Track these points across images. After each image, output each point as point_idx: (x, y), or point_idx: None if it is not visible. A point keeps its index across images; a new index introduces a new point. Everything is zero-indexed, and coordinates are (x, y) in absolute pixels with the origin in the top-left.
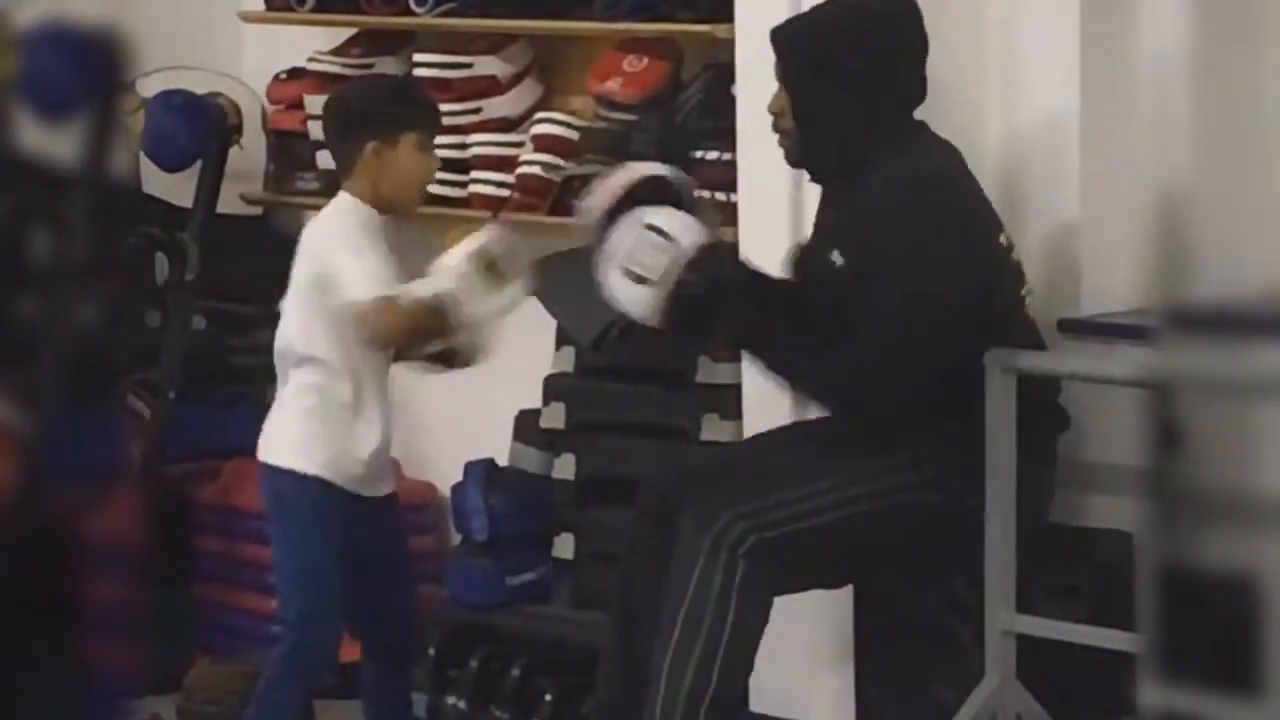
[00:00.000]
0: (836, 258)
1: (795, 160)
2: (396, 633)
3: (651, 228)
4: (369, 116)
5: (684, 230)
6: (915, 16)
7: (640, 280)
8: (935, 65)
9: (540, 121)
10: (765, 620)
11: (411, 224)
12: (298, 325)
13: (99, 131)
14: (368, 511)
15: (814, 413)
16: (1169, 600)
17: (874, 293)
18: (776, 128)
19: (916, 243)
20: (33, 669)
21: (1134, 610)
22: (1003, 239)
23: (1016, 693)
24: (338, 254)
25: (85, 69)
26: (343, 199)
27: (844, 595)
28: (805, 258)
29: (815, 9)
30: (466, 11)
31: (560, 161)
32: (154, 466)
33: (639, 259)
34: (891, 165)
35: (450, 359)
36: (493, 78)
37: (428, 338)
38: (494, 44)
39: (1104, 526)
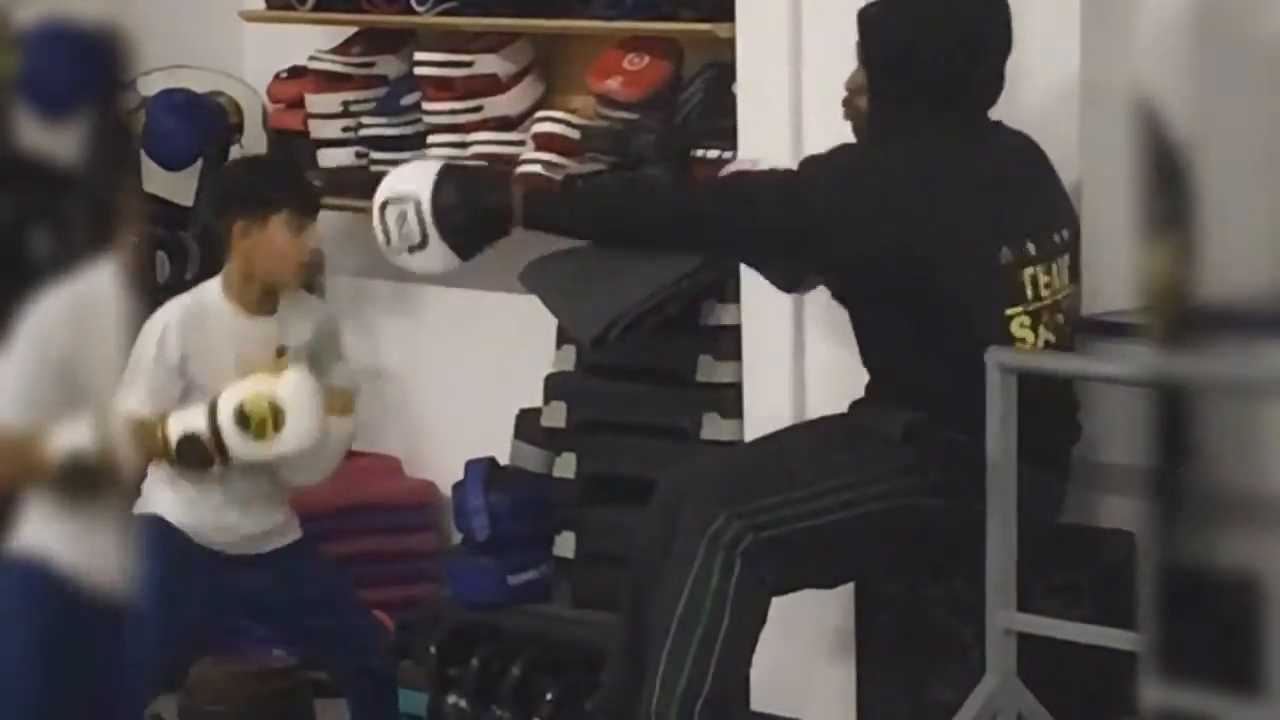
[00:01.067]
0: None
1: (861, 136)
2: (358, 661)
3: (382, 206)
4: (236, 195)
5: (408, 181)
6: (1002, 14)
7: (419, 247)
8: None
9: (541, 120)
10: (762, 620)
11: None
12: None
13: (99, 130)
14: (261, 565)
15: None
16: (1170, 599)
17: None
18: (848, 104)
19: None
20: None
21: (1136, 609)
22: (1005, 255)
23: (1017, 692)
24: (132, 372)
25: (86, 68)
26: (202, 291)
27: (845, 594)
28: None
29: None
30: (467, 10)
31: (561, 160)
32: None
33: (398, 235)
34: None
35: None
36: (493, 76)
37: (174, 465)
38: (495, 42)
39: (1106, 525)
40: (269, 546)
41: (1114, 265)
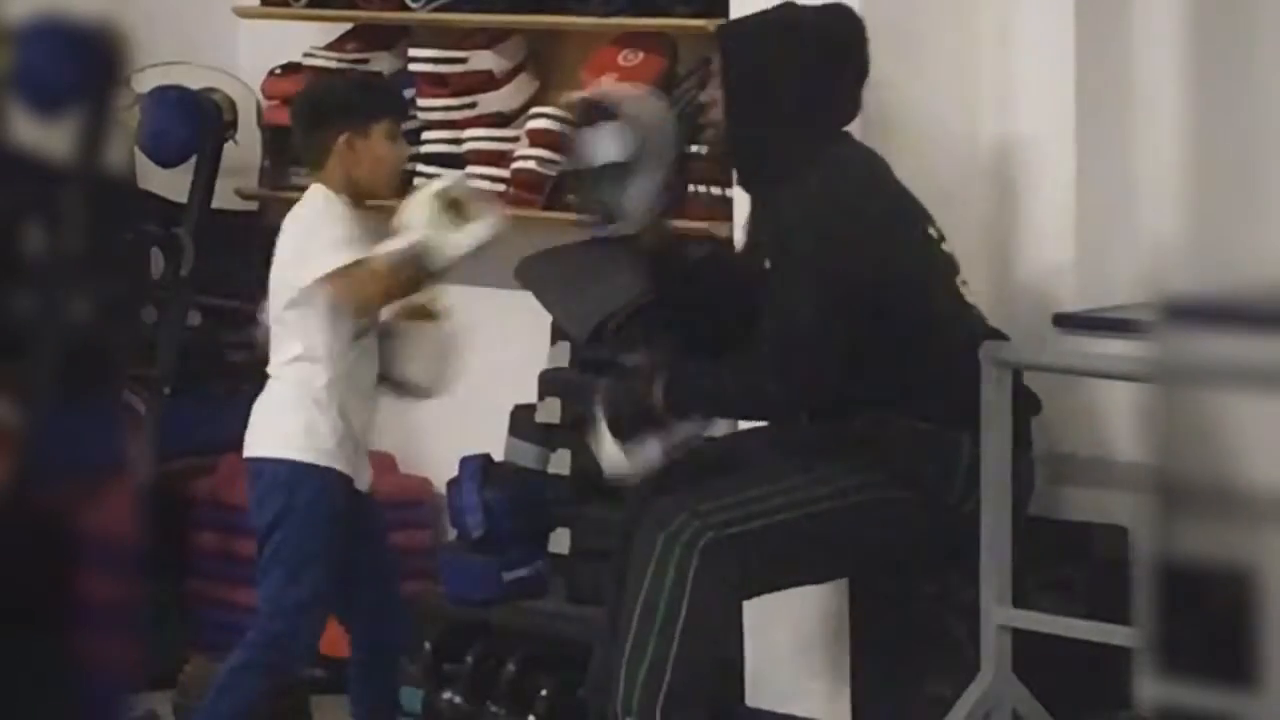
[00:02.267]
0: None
1: (718, 156)
2: (388, 626)
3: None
4: (340, 108)
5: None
6: (859, 36)
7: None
8: (931, 60)
9: (535, 116)
10: (724, 618)
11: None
12: (290, 325)
13: (94, 126)
14: (356, 503)
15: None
16: (1166, 594)
17: (780, 299)
18: (707, 119)
19: (819, 252)
20: (28, 665)
21: (1129, 604)
22: (932, 231)
23: (1013, 687)
24: (312, 251)
25: (80, 63)
26: (316, 193)
27: (839, 590)
28: (745, 271)
29: (764, 14)
30: (461, 6)
31: (555, 156)
32: (149, 462)
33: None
34: (808, 180)
35: (404, 388)
36: (488, 73)
37: (405, 291)
38: (489, 39)
39: (1098, 521)
40: (364, 482)
41: (1107, 262)
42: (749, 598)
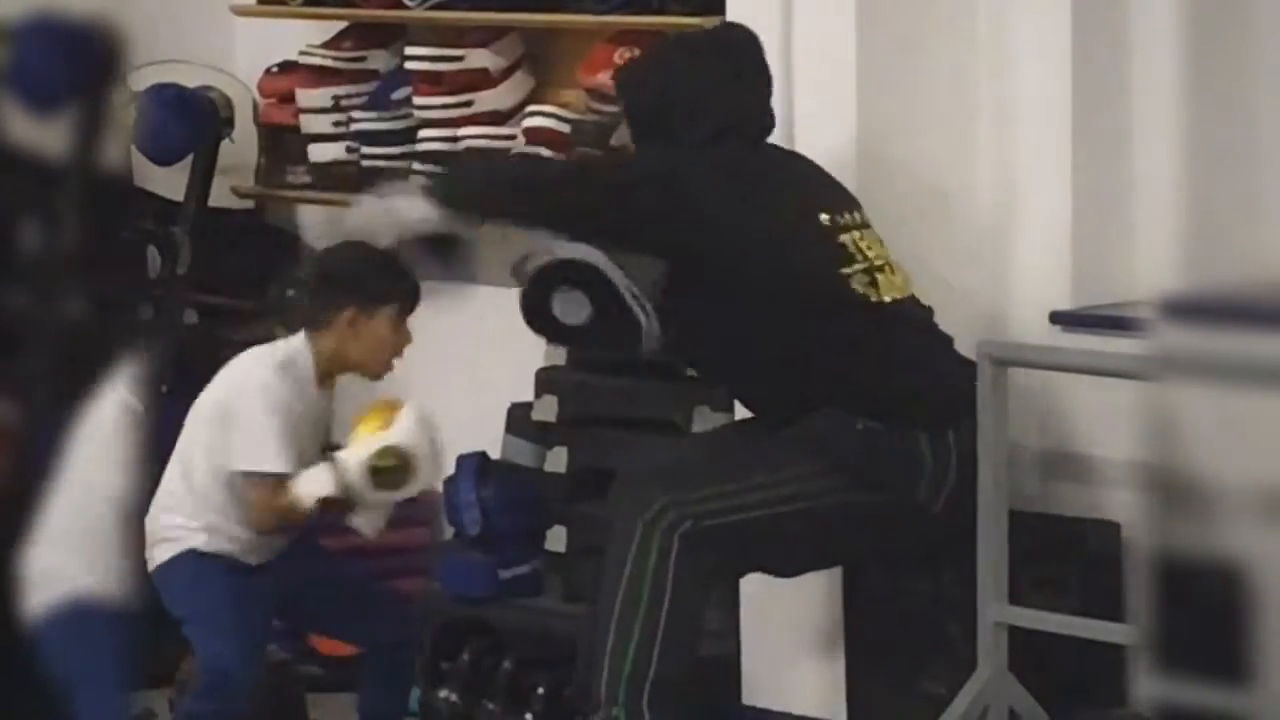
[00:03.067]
0: None
1: None
2: (385, 628)
3: None
4: (352, 283)
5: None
6: (753, 50)
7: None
8: (925, 63)
9: (531, 114)
10: (704, 603)
11: None
12: (205, 440)
13: (90, 124)
14: (276, 565)
15: None
16: (1162, 591)
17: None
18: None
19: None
20: (27, 663)
21: (1123, 601)
22: (824, 219)
23: (1009, 684)
24: (249, 410)
25: (76, 61)
26: (295, 346)
27: (834, 589)
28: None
29: (658, 46)
30: (458, 4)
31: (552, 154)
32: (145, 461)
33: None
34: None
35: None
36: (484, 70)
37: (301, 521)
38: (485, 37)
39: (1092, 517)
40: (279, 550)
41: (1104, 259)
42: (726, 583)
